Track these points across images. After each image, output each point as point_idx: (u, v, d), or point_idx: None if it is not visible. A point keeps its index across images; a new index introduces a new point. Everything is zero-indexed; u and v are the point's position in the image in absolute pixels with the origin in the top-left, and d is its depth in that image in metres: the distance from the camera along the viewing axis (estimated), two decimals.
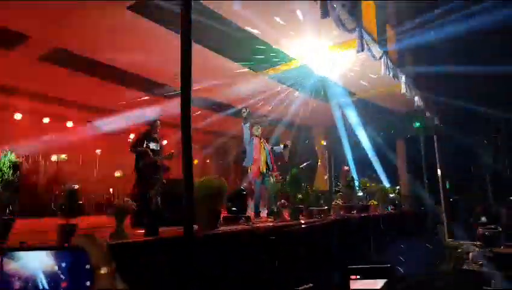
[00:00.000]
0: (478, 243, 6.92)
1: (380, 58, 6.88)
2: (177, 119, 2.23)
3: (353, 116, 10.29)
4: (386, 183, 10.26)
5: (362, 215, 7.20)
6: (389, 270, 3.32)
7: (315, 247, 5.06)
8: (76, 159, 10.75)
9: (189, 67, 2.74)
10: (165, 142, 7.14)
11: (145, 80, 8.12)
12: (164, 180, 5.27)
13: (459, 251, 7.01)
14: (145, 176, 5.28)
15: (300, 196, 5.55)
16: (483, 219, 8.33)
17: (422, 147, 10.40)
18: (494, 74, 7.94)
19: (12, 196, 2.70)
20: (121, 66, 7.40)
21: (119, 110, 9.29)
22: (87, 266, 0.73)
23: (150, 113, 7.26)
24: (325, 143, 12.38)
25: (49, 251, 0.74)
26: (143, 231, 3.18)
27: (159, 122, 5.71)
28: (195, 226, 3.42)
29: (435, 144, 9.98)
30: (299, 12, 5.60)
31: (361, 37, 6.07)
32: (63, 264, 0.73)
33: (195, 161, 12.15)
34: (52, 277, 0.73)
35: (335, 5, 5.29)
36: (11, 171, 2.73)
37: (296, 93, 9.05)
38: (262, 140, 6.27)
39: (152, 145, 5.44)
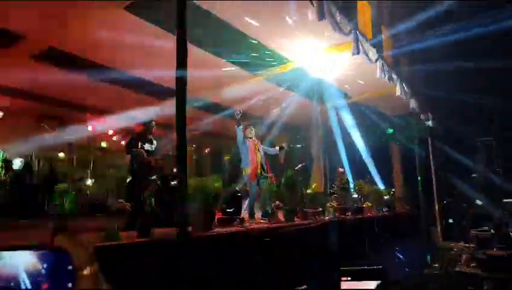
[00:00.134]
0: (471, 245, 6.97)
1: (376, 61, 6.91)
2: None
3: (348, 119, 10.33)
4: (381, 186, 10.29)
5: (356, 217, 7.22)
6: (381, 272, 3.33)
7: (309, 249, 5.06)
8: (70, 158, 10.64)
9: (185, 67, 2.74)
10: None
11: (144, 80, 8.04)
12: (158, 182, 5.24)
13: (452, 252, 7.06)
14: (139, 177, 5.25)
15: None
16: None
17: (416, 149, 10.46)
18: (487, 68, 8.35)
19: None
20: (120, 66, 7.34)
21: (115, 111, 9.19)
22: (70, 267, 0.73)
23: (147, 114, 7.19)
24: (319, 145, 12.39)
25: (32, 252, 0.74)
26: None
27: (154, 123, 5.69)
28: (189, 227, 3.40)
29: (429, 147, 10.06)
30: (295, 15, 5.60)
31: (356, 40, 6.10)
32: (46, 265, 0.72)
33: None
34: (34, 277, 0.72)
35: (331, 7, 5.32)
36: (3, 171, 2.72)
37: (292, 95, 9.06)
38: (256, 142, 6.26)
39: (147, 146, 5.42)
